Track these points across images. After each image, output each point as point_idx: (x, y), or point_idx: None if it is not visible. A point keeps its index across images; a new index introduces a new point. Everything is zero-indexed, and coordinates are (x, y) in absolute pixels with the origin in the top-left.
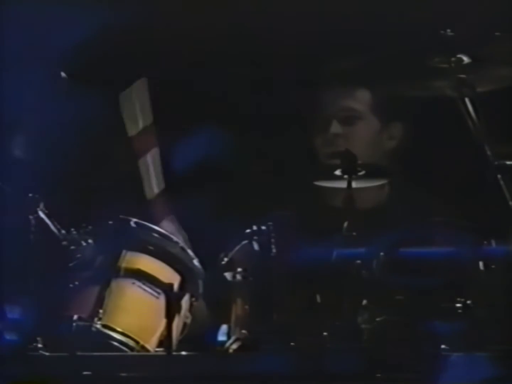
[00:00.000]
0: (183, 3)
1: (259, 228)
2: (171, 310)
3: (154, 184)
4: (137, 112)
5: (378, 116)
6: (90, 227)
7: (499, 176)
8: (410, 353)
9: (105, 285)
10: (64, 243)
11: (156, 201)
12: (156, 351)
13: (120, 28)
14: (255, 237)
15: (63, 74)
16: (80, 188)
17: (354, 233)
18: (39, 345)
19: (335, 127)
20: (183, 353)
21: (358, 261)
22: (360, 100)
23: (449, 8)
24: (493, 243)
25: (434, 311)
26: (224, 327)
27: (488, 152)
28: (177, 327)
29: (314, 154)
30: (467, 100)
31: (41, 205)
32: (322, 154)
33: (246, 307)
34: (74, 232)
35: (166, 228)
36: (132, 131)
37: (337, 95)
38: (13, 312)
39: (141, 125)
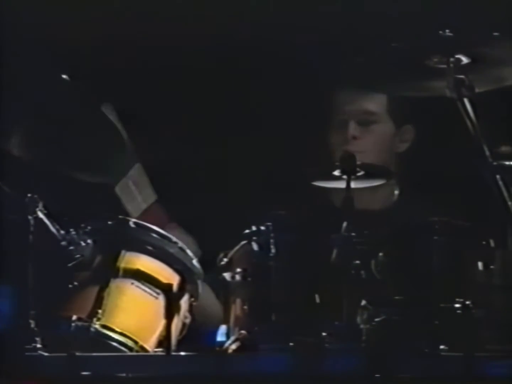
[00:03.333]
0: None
1: (258, 228)
2: (170, 310)
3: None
4: (137, 198)
5: (393, 119)
6: (89, 227)
7: (498, 176)
8: (410, 353)
9: (104, 285)
10: (63, 243)
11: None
12: (155, 352)
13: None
14: (254, 237)
15: (64, 76)
16: (80, 188)
17: (354, 233)
18: (38, 345)
19: (353, 129)
20: (182, 353)
21: (358, 261)
22: (378, 102)
23: (449, 8)
24: (493, 243)
25: (433, 311)
26: (223, 328)
27: (487, 152)
28: (176, 327)
29: (314, 154)
30: (466, 100)
31: (41, 205)
32: (335, 152)
33: (245, 307)
34: (73, 233)
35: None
36: (134, 214)
37: (356, 96)
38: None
39: (144, 206)
